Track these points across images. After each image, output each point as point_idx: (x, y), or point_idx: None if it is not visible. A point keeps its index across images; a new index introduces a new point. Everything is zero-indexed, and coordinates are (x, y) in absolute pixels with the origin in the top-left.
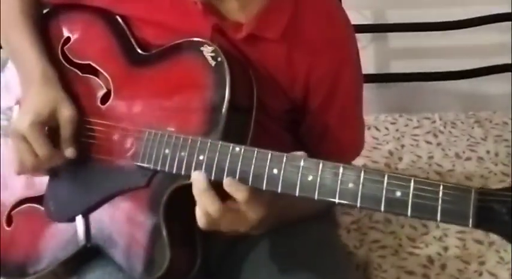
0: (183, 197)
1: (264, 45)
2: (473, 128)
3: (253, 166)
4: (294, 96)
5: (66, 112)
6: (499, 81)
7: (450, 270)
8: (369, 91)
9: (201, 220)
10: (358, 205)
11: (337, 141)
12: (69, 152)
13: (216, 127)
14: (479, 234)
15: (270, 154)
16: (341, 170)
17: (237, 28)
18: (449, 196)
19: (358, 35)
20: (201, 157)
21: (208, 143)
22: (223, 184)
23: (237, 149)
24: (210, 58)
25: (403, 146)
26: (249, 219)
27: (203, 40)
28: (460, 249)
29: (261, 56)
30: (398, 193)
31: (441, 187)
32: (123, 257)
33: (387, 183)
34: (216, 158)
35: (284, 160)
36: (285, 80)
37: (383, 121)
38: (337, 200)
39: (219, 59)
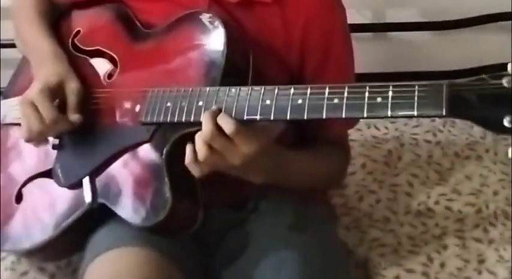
0: (184, 151)
1: (259, 9)
2: (472, 127)
3: (247, 101)
4: (290, 63)
5: (72, 84)
6: None
7: (449, 269)
8: None
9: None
10: (343, 115)
11: None
12: (75, 117)
13: (215, 79)
14: (478, 233)
15: (263, 88)
16: (327, 89)
17: None
18: (423, 92)
19: (358, 35)
20: (200, 103)
21: (207, 90)
22: (217, 118)
23: (233, 90)
24: (208, 23)
25: (402, 145)
26: (241, 151)
27: (201, 10)
28: (459, 247)
29: (257, 21)
30: (379, 99)
31: (416, 87)
32: (127, 208)
33: (368, 92)
34: (214, 102)
35: (276, 91)
36: (281, 45)
37: (382, 120)
38: (324, 116)
39: (216, 23)
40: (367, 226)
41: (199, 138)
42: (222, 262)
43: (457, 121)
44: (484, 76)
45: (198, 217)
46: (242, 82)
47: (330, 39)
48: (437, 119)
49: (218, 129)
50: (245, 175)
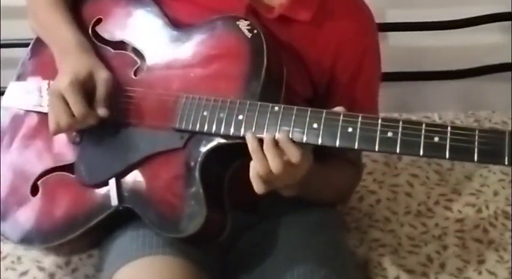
0: (216, 161)
1: (294, 26)
2: None
3: (293, 122)
4: (317, 80)
5: (103, 74)
6: (498, 81)
7: (449, 269)
8: None
9: (258, 181)
10: (398, 150)
11: None
12: (102, 111)
13: (254, 92)
14: (478, 233)
15: (309, 111)
16: (380, 121)
17: (269, 9)
18: (484, 138)
19: None
20: (240, 117)
21: (248, 104)
22: (279, 141)
23: (276, 108)
24: (246, 31)
25: None
26: (300, 172)
27: (238, 15)
28: (459, 248)
29: (291, 38)
30: (436, 138)
31: (477, 131)
32: (156, 217)
33: (425, 130)
34: (256, 117)
35: (323, 115)
36: (312, 63)
37: None
38: (377, 149)
39: (255, 31)
40: (367, 226)
41: (261, 165)
42: (236, 265)
43: (458, 121)
44: None
45: (226, 225)
46: (276, 97)
47: (361, 60)
48: (437, 119)
49: (281, 156)
50: (284, 189)
